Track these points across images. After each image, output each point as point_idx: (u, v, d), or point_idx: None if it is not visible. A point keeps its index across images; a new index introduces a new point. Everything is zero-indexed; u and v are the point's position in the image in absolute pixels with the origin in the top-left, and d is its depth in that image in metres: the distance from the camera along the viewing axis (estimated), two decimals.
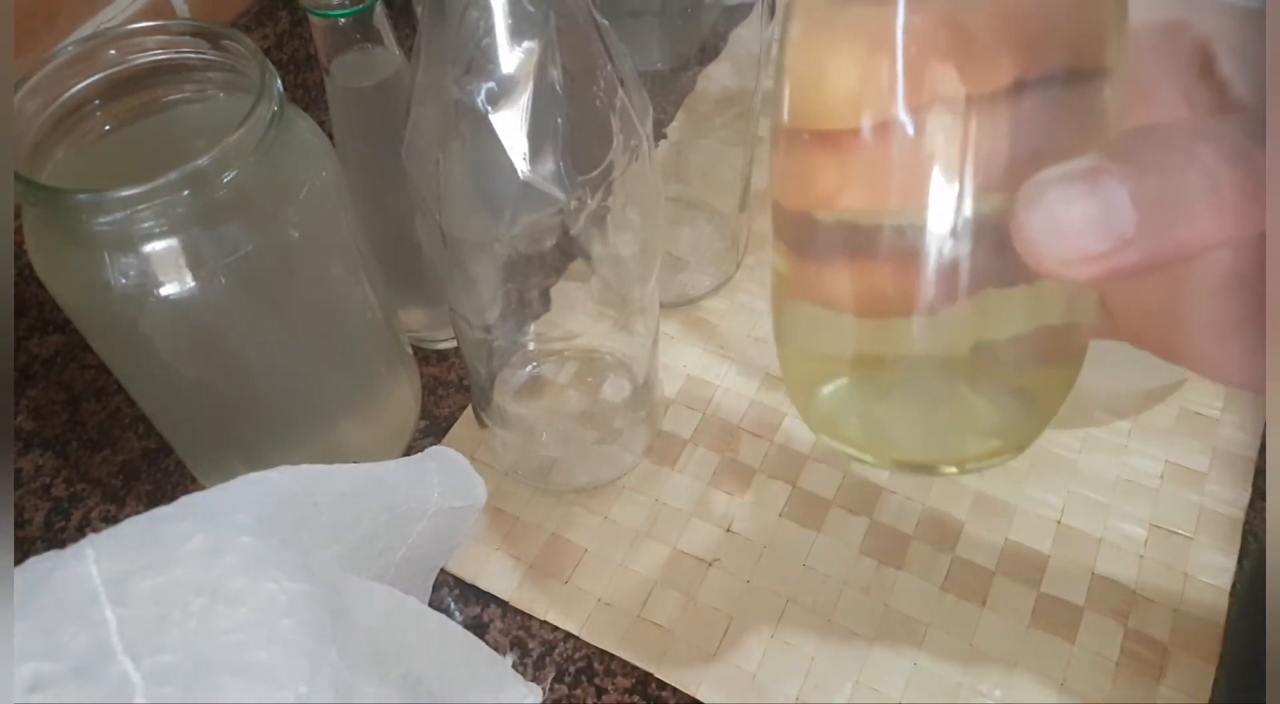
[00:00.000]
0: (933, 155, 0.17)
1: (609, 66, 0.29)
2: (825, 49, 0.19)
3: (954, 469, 0.22)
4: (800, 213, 0.20)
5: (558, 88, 0.28)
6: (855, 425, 0.22)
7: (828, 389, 0.23)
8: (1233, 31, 0.18)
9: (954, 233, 0.17)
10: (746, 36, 0.40)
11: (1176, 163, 0.14)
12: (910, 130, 0.17)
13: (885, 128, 0.17)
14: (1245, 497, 0.42)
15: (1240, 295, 0.17)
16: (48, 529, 0.43)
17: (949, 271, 0.18)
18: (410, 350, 0.45)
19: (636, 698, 0.37)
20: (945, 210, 0.17)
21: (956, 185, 0.17)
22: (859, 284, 0.19)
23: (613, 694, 0.38)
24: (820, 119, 0.19)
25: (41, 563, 0.24)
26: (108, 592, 0.23)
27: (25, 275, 0.46)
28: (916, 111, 0.17)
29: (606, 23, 0.29)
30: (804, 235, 0.20)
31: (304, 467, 0.30)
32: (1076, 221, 0.14)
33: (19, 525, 0.43)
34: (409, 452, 0.45)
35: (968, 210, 0.17)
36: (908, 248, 0.18)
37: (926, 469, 0.23)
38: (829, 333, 0.21)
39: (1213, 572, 0.40)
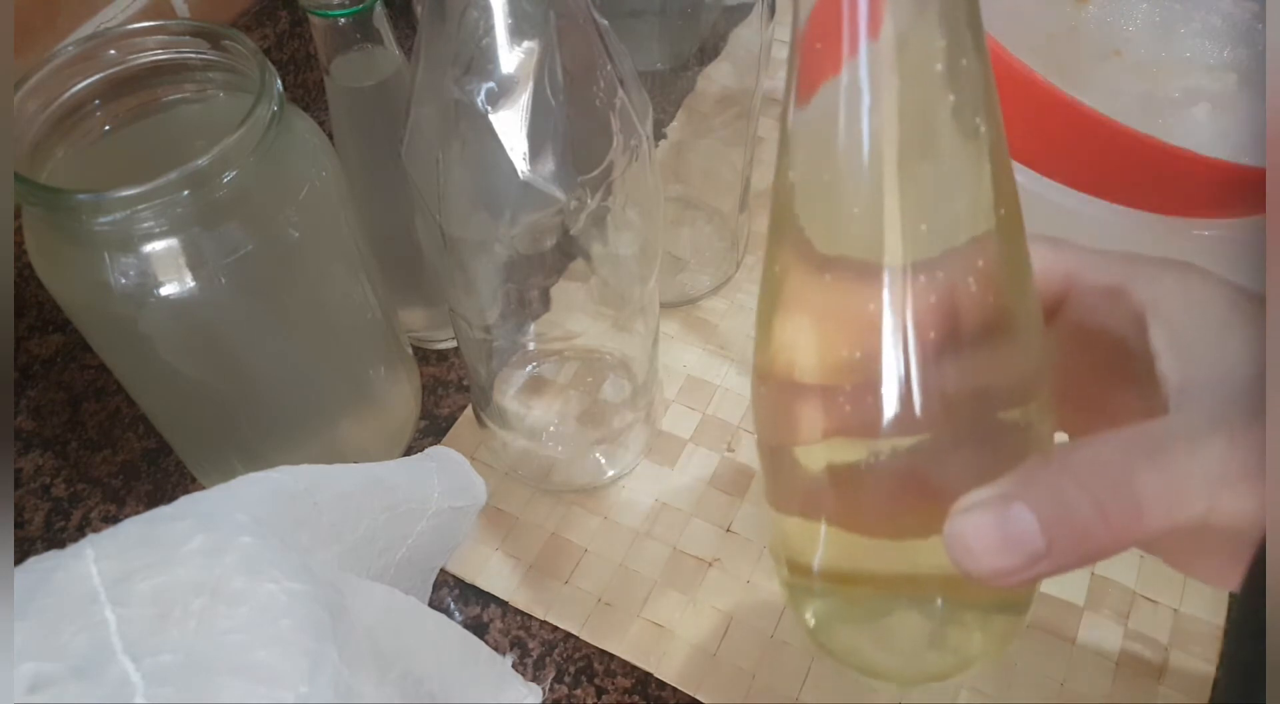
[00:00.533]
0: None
1: (609, 66, 0.29)
2: (808, 326, 0.21)
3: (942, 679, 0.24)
4: (784, 451, 0.22)
5: (558, 88, 0.28)
6: (852, 643, 0.24)
7: (822, 604, 0.24)
8: (1170, 299, 0.21)
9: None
10: (746, 36, 0.40)
11: (1074, 493, 0.17)
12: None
13: (868, 386, 0.19)
14: None
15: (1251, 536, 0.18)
16: (48, 529, 0.43)
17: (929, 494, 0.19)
18: (410, 350, 0.45)
19: (636, 698, 0.37)
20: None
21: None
22: (846, 509, 0.21)
23: (613, 694, 0.38)
24: (801, 374, 0.21)
25: (41, 563, 0.24)
26: (108, 592, 0.23)
27: (25, 275, 0.46)
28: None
29: (606, 23, 0.29)
30: (790, 472, 0.22)
31: (304, 467, 0.30)
32: (991, 544, 0.17)
33: (19, 525, 0.43)
34: (409, 452, 0.45)
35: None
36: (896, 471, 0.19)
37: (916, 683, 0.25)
38: (820, 549, 0.22)
39: None
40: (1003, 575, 0.17)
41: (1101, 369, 0.23)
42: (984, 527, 0.17)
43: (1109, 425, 0.20)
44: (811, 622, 0.25)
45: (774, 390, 0.22)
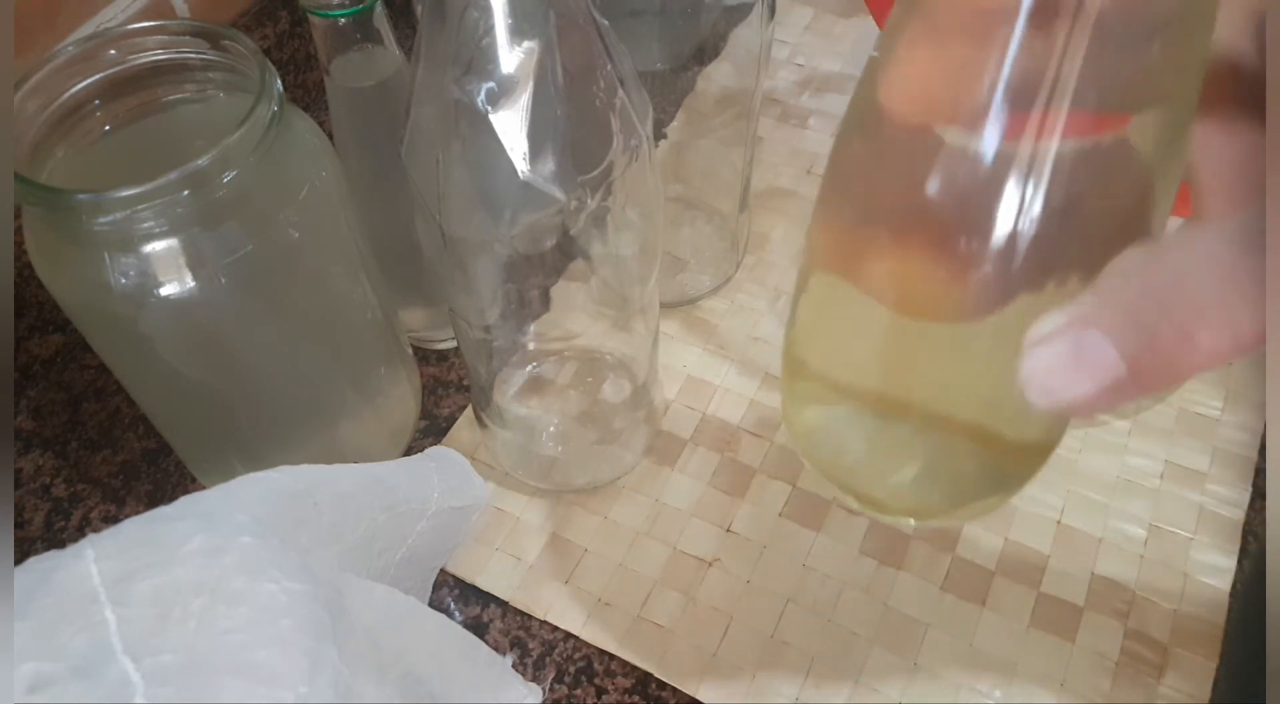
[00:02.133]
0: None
1: (609, 66, 0.29)
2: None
3: (929, 522, 0.23)
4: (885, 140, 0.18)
5: (558, 88, 0.28)
6: (845, 459, 0.23)
7: (826, 413, 0.23)
8: None
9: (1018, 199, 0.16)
10: (746, 36, 0.40)
11: (1155, 315, 0.15)
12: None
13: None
14: (1245, 497, 0.42)
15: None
16: (48, 529, 0.43)
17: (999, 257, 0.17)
18: (410, 350, 0.45)
19: (636, 698, 0.37)
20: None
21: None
22: (903, 265, 0.18)
23: (613, 694, 0.38)
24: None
25: (41, 563, 0.24)
26: (108, 592, 0.23)
27: (25, 275, 0.46)
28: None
29: (606, 23, 0.29)
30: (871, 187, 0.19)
31: (304, 467, 0.30)
32: (1068, 376, 0.16)
33: (19, 525, 0.43)
34: (409, 452, 0.45)
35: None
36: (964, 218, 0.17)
37: (896, 516, 0.23)
38: (849, 343, 0.21)
39: (1213, 572, 0.40)
40: (1084, 406, 0.16)
41: (1214, 109, 0.18)
42: (1059, 358, 0.16)
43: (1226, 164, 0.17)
44: (808, 428, 0.23)
45: (862, 147, 0.19)
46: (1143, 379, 0.16)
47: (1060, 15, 0.15)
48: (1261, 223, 0.15)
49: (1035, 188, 0.16)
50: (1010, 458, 0.22)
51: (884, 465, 0.23)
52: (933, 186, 0.17)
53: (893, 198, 0.18)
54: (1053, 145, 0.16)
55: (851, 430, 0.23)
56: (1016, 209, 0.16)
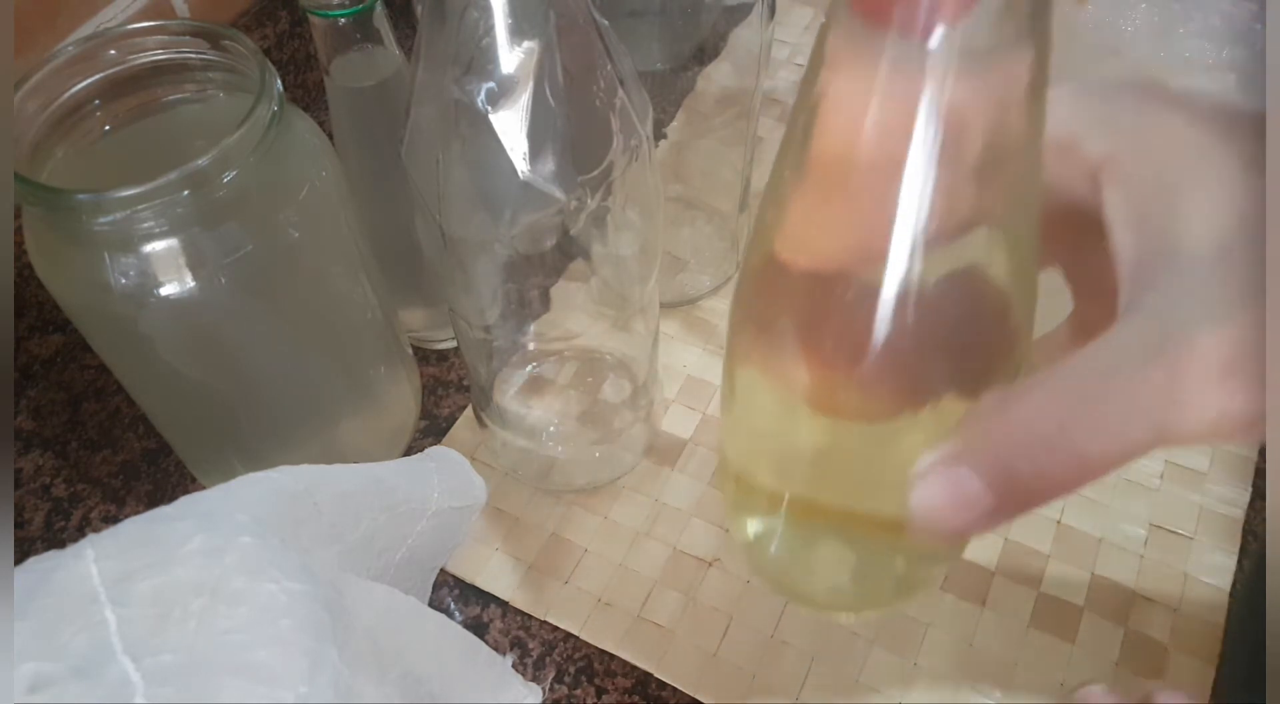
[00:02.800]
0: None
1: (609, 66, 0.29)
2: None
3: (851, 617, 0.26)
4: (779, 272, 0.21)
5: (558, 88, 0.28)
6: (787, 570, 0.26)
7: (764, 524, 0.26)
8: (1125, 153, 0.18)
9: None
10: (746, 36, 0.40)
11: (1013, 453, 0.17)
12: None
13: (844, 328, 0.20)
14: (1245, 497, 0.42)
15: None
16: (48, 529, 0.43)
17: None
18: (410, 350, 0.45)
19: (636, 698, 0.37)
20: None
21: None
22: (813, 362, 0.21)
23: (613, 694, 0.38)
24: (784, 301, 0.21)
25: (41, 563, 0.24)
26: (108, 592, 0.23)
27: (25, 275, 0.46)
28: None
29: (606, 23, 0.29)
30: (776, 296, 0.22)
31: (304, 467, 0.30)
32: (946, 508, 0.18)
33: (19, 525, 0.43)
34: (409, 452, 0.45)
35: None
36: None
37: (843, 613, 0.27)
38: (774, 446, 0.23)
39: (1213, 572, 0.40)
40: (962, 533, 0.18)
41: (1066, 241, 0.21)
42: (936, 493, 0.18)
43: (1086, 298, 0.20)
44: (749, 539, 0.26)
45: (763, 293, 0.22)
46: (1009, 506, 0.18)
47: (911, 169, 0.17)
48: (1085, 373, 0.17)
49: (907, 313, 0.19)
50: (925, 560, 0.25)
51: (822, 571, 0.26)
52: (818, 313, 0.20)
53: (791, 317, 0.21)
54: (916, 278, 0.18)
55: (788, 540, 0.26)
56: (890, 331, 0.19)
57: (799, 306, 0.20)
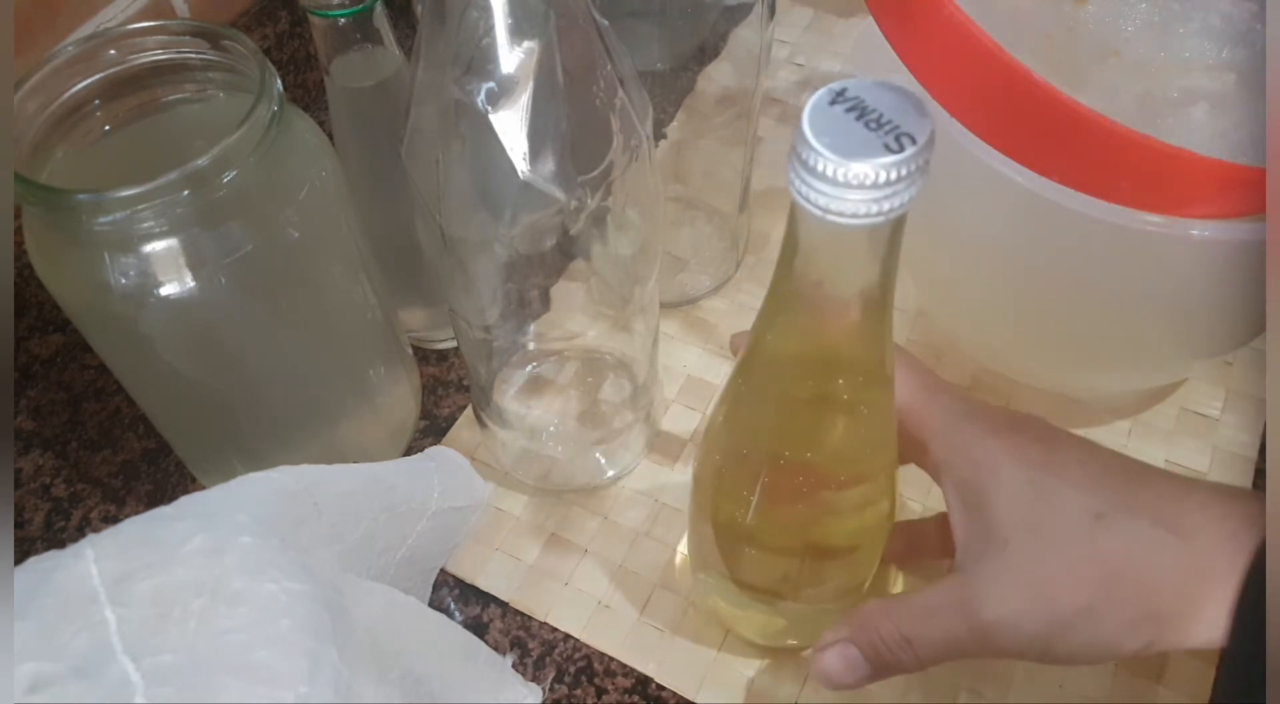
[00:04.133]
0: None
1: (609, 66, 0.29)
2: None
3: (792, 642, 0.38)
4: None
5: (558, 88, 0.28)
6: (735, 621, 0.38)
7: (720, 594, 0.36)
8: (956, 462, 0.31)
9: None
10: (746, 36, 0.40)
11: (881, 642, 0.29)
12: None
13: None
14: None
15: None
16: (48, 529, 0.43)
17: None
18: (410, 350, 0.45)
19: (636, 698, 0.37)
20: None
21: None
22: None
23: (613, 694, 0.38)
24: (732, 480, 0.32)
25: (41, 563, 0.24)
26: (108, 592, 0.23)
27: (25, 275, 0.46)
28: None
29: (606, 23, 0.29)
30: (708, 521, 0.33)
31: (304, 467, 0.30)
32: (838, 671, 0.29)
33: (19, 525, 0.43)
34: (409, 452, 0.45)
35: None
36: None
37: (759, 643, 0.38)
38: (726, 554, 0.34)
39: None
40: (850, 687, 0.29)
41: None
42: (832, 661, 0.29)
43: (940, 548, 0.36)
44: (706, 601, 0.38)
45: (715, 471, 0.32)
46: (879, 673, 0.29)
47: None
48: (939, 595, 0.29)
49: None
50: (840, 610, 0.35)
51: (759, 625, 0.37)
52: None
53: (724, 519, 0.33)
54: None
55: (737, 607, 0.36)
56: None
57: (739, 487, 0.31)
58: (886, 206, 0.19)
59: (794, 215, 0.21)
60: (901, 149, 0.18)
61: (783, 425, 0.28)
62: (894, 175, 0.18)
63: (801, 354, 0.26)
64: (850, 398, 0.27)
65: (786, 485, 0.29)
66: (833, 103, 0.19)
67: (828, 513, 0.30)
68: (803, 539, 0.31)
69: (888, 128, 0.19)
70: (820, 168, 0.19)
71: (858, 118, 0.19)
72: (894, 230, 0.21)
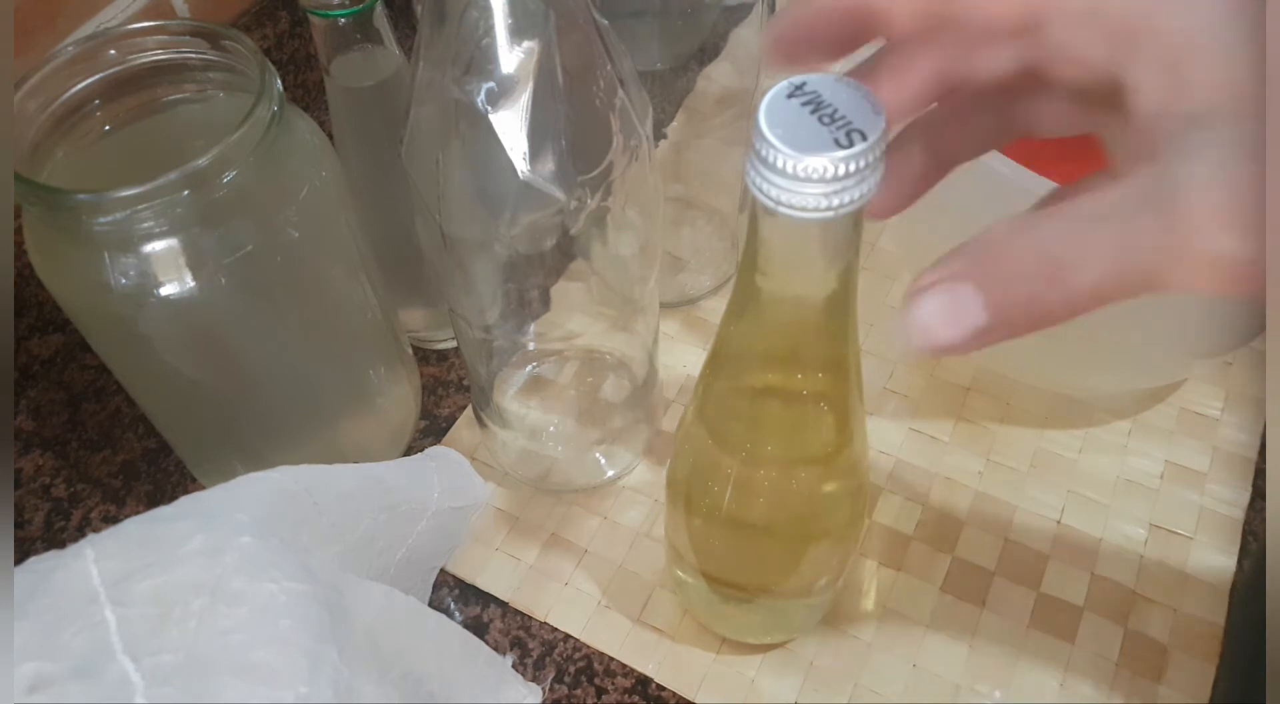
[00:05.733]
0: None
1: (609, 66, 0.29)
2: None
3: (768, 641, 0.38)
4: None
5: (558, 88, 0.28)
6: (712, 619, 0.38)
7: (696, 591, 0.37)
8: (1160, 11, 0.18)
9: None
10: (746, 36, 0.40)
11: (1012, 271, 0.18)
12: None
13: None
14: (1245, 497, 0.42)
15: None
16: (48, 529, 0.43)
17: None
18: (410, 350, 0.45)
19: (636, 698, 0.37)
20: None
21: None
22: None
23: (613, 694, 0.38)
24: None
25: (41, 563, 0.24)
26: (108, 592, 0.23)
27: (25, 275, 0.46)
28: None
29: (606, 23, 0.29)
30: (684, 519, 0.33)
31: (304, 467, 0.30)
32: (939, 322, 0.18)
33: (19, 525, 0.43)
34: (409, 452, 0.45)
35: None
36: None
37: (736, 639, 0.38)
38: (703, 550, 0.34)
39: (1213, 572, 0.40)
40: (957, 347, 0.19)
41: (1085, 119, 0.22)
42: (935, 307, 0.19)
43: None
44: (687, 602, 0.39)
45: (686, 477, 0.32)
46: (999, 329, 0.18)
47: None
48: (1106, 205, 0.17)
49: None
50: (812, 605, 0.36)
51: (735, 620, 0.38)
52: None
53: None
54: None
55: (712, 602, 0.36)
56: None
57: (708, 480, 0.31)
58: (836, 202, 0.19)
59: (753, 208, 0.22)
60: (851, 144, 0.18)
61: (747, 419, 0.28)
62: (842, 171, 0.19)
63: (765, 348, 0.26)
64: (812, 391, 0.27)
65: (753, 479, 0.29)
66: (790, 96, 0.19)
67: (794, 506, 0.30)
68: (771, 532, 0.31)
69: (840, 123, 0.19)
70: (771, 159, 0.19)
71: (813, 112, 0.19)
72: (851, 226, 0.21)
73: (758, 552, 0.33)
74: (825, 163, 0.18)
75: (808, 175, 0.19)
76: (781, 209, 0.19)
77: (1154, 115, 0.18)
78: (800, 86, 0.19)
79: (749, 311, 0.25)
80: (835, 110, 0.19)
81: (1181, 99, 0.18)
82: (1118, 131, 0.19)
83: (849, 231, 0.21)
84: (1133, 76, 0.19)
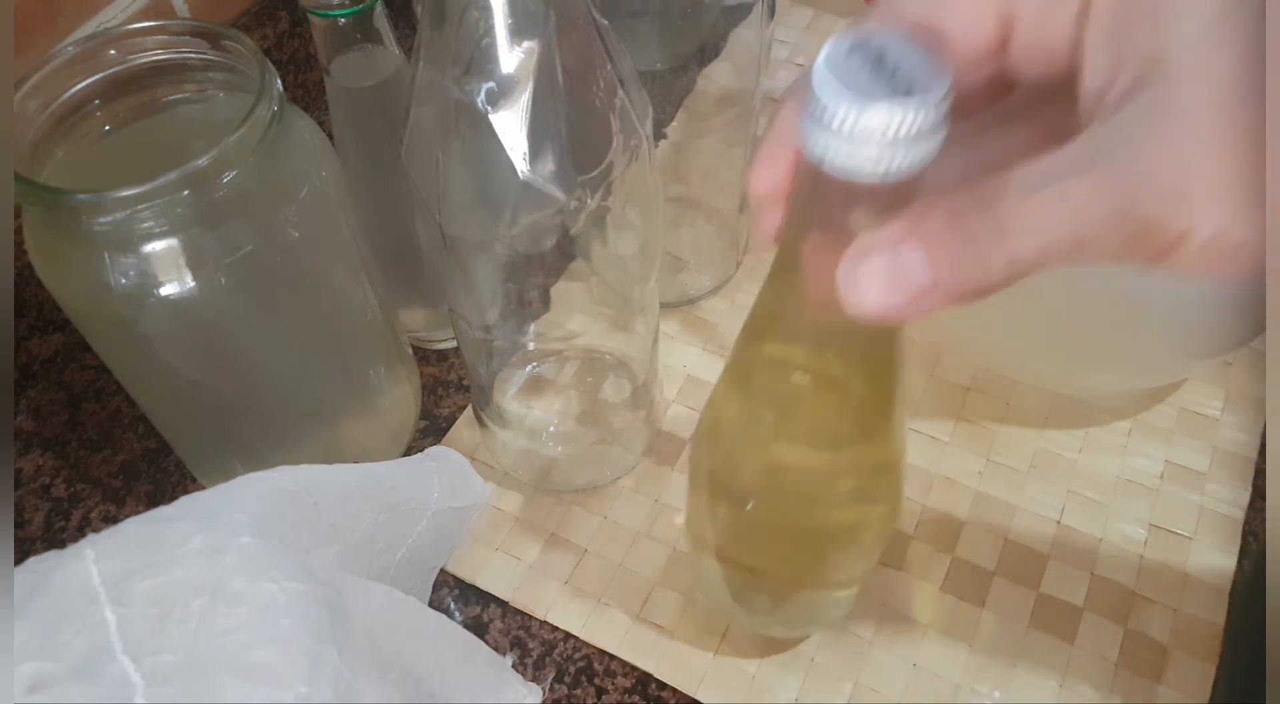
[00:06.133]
0: None
1: (609, 66, 0.29)
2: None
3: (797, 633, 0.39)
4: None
5: (558, 88, 0.28)
6: (734, 613, 0.37)
7: (718, 585, 0.35)
8: None
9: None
10: (746, 36, 0.40)
11: (952, 233, 0.18)
12: None
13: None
14: (1245, 497, 0.42)
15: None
16: (48, 529, 0.43)
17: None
18: (410, 350, 0.45)
19: (636, 698, 0.37)
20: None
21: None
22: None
23: (613, 694, 0.38)
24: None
25: (41, 563, 0.24)
26: (108, 592, 0.23)
27: (25, 275, 0.46)
28: None
29: (606, 23, 0.29)
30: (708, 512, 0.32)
31: (304, 467, 0.30)
32: (880, 283, 0.18)
33: (19, 525, 0.43)
34: (409, 452, 0.45)
35: None
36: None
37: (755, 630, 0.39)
38: (727, 536, 0.33)
39: (1213, 572, 0.40)
40: (895, 310, 0.18)
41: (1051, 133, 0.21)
42: (874, 267, 0.18)
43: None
44: (705, 590, 0.37)
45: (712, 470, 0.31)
46: (942, 292, 0.18)
47: None
48: (1061, 169, 0.17)
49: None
50: (833, 600, 0.35)
51: (755, 615, 0.37)
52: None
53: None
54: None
55: (731, 592, 0.35)
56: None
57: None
58: (883, 166, 0.18)
59: (800, 165, 0.20)
60: (910, 97, 0.17)
61: (782, 405, 0.27)
62: (897, 126, 0.17)
63: (802, 328, 0.24)
64: (851, 381, 0.25)
65: (791, 464, 0.28)
66: (850, 53, 0.18)
67: (833, 496, 0.29)
68: (801, 525, 0.30)
69: (900, 81, 0.17)
70: (815, 113, 0.18)
71: (872, 69, 0.18)
72: (900, 196, 0.19)
73: (784, 542, 0.31)
74: (879, 117, 0.17)
75: (866, 131, 0.17)
76: (824, 166, 0.18)
77: (1096, 91, 0.18)
78: (865, 42, 0.18)
79: (788, 287, 0.23)
80: (899, 68, 0.17)
81: (1119, 71, 0.17)
82: (1073, 121, 0.19)
83: (901, 201, 0.19)
84: (1084, 57, 0.18)
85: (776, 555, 0.32)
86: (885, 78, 0.17)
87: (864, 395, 0.26)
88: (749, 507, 0.30)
